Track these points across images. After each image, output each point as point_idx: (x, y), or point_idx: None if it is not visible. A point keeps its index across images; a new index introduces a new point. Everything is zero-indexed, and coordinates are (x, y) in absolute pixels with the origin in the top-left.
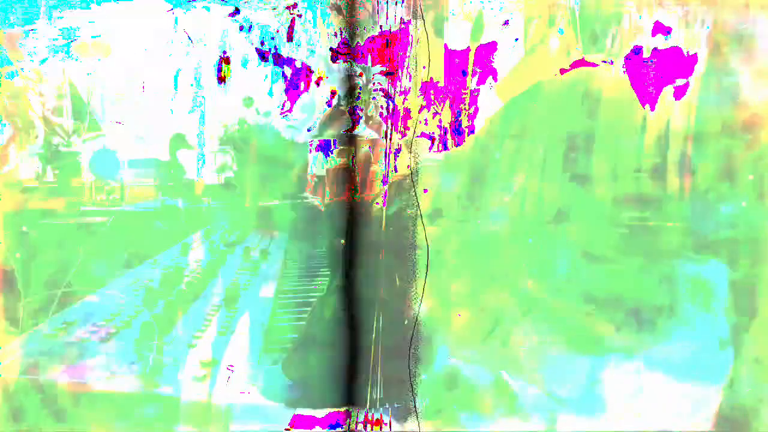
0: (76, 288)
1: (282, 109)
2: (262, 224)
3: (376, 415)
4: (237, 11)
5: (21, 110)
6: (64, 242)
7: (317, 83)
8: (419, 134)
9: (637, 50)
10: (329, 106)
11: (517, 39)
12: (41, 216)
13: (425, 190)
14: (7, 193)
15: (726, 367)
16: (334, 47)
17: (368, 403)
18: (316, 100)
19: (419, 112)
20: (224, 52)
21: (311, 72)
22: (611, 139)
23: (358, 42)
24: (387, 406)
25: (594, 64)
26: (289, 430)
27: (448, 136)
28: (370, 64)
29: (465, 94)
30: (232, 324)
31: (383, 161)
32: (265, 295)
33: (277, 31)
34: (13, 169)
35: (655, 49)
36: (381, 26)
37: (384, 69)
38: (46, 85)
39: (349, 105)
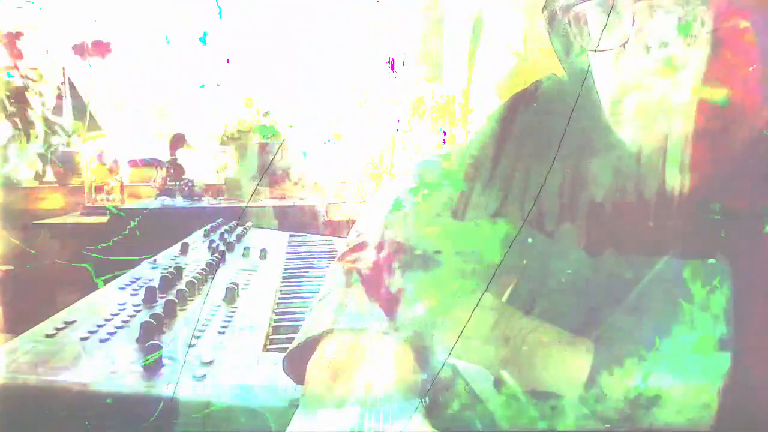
0: (76, 288)
1: None
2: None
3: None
4: None
5: (21, 110)
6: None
7: None
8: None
9: None
10: None
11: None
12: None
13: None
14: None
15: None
16: None
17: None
18: None
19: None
20: None
21: None
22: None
23: None
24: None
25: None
26: None
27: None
28: None
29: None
30: (232, 324)
31: None
32: (265, 295)
33: None
34: (13, 169)
35: None
36: None
37: None
38: (46, 85)
39: None
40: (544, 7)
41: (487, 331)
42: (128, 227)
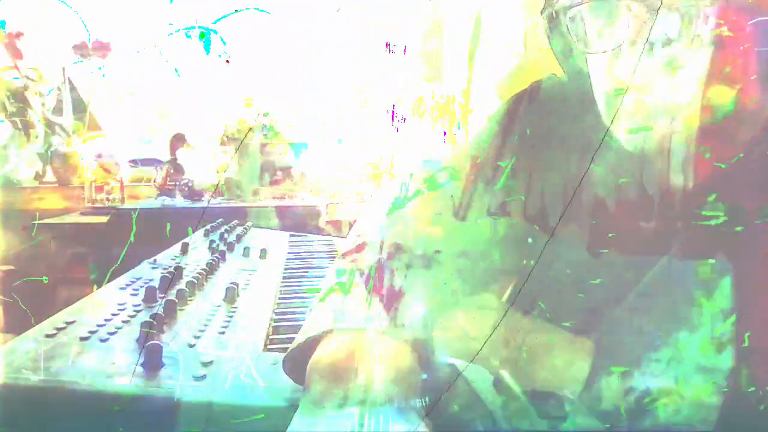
0: (76, 287)
1: None
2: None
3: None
4: None
5: (21, 110)
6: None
7: None
8: None
9: None
10: None
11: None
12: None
13: None
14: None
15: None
16: None
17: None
18: None
19: None
20: None
21: None
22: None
23: None
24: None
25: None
26: None
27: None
28: None
29: None
30: (232, 324)
31: None
32: (265, 295)
33: None
34: (13, 169)
35: None
36: None
37: None
38: (46, 85)
39: None
40: (543, 9)
41: (488, 332)
42: (131, 230)
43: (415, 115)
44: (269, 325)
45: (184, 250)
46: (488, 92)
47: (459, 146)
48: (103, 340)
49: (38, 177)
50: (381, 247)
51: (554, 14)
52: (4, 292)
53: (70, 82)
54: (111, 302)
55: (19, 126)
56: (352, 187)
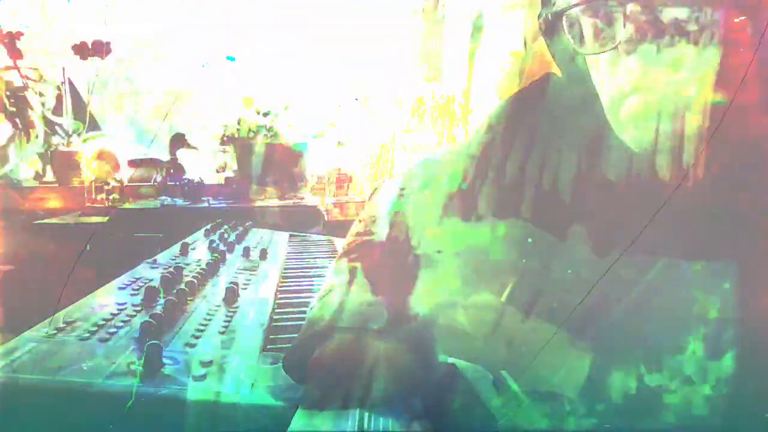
0: (77, 288)
1: None
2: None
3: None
4: None
5: (21, 110)
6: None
7: None
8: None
9: None
10: None
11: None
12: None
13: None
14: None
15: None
16: None
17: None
18: None
19: None
20: None
21: None
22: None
23: None
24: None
25: None
26: None
27: None
28: None
29: None
30: (232, 324)
31: None
32: (265, 295)
33: None
34: (13, 169)
35: None
36: None
37: None
38: (46, 85)
39: None
40: (540, 14)
41: (488, 332)
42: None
43: (415, 115)
44: (269, 325)
45: (184, 250)
46: (488, 92)
47: (458, 145)
48: (102, 340)
49: (38, 177)
50: (380, 247)
51: (551, 17)
52: (4, 292)
53: (70, 82)
54: (111, 302)
55: (19, 126)
56: (352, 186)
